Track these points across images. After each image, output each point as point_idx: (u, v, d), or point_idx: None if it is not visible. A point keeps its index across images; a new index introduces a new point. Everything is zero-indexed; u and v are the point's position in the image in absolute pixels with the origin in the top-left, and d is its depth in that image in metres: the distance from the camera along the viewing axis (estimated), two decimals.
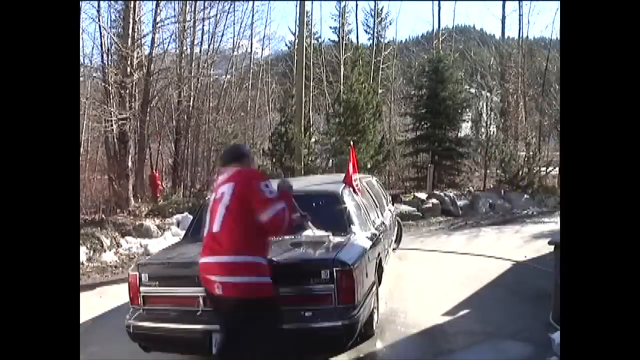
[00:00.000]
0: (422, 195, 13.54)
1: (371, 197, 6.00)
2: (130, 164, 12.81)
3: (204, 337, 3.68)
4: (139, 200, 13.47)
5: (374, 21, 28.57)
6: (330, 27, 31.58)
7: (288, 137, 14.80)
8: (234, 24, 19.95)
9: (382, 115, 19.83)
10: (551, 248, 4.68)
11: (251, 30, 22.06)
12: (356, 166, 5.75)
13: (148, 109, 14.16)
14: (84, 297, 6.02)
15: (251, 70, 22.58)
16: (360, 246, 4.22)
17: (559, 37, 16.62)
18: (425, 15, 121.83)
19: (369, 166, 13.86)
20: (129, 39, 12.24)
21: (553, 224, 10.85)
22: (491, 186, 15.88)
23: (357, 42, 28.59)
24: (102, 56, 14.29)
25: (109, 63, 13.83)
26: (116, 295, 6.10)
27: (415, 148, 17.29)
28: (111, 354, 4.46)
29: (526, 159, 15.64)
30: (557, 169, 15.94)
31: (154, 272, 3.94)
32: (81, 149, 13.54)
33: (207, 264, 3.11)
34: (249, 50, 22.42)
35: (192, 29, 16.49)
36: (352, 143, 6.65)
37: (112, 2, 14.31)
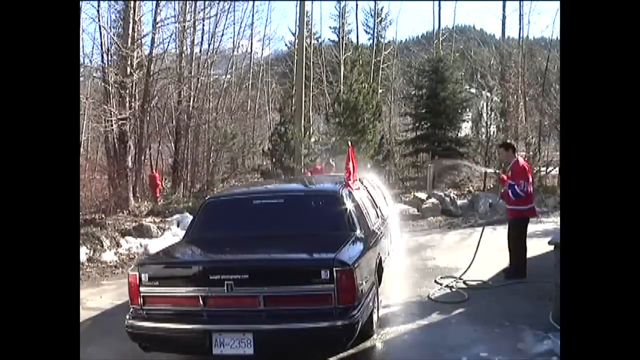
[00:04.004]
0: (422, 195, 13.53)
1: (371, 197, 6.00)
2: (130, 164, 12.81)
3: (204, 337, 3.69)
4: (139, 200, 13.47)
5: (374, 21, 28.62)
6: (330, 27, 31.61)
7: (288, 137, 14.79)
8: (234, 24, 19.99)
9: (382, 115, 19.82)
10: (543, 249, 4.68)
11: (251, 30, 22.13)
12: (355, 166, 5.73)
13: (148, 109, 14.16)
14: (84, 297, 6.03)
15: (251, 70, 22.62)
16: (360, 246, 4.22)
17: (559, 37, 16.62)
18: (425, 15, 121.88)
19: (369, 166, 13.86)
20: (129, 39, 12.24)
21: (552, 224, 10.84)
22: (491, 186, 15.87)
23: (357, 42, 28.64)
24: (102, 56, 14.31)
25: (109, 63, 13.84)
26: (116, 295, 6.10)
27: (415, 148, 17.29)
28: (111, 353, 4.46)
29: (526, 159, 15.62)
30: (557, 169, 15.94)
31: (154, 272, 3.95)
32: (81, 149, 13.53)
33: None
34: (249, 50, 22.47)
35: (192, 29, 16.50)
36: (350, 143, 6.65)
37: (112, 2, 14.32)
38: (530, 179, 6.33)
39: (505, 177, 6.51)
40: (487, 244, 9.02)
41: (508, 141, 7.08)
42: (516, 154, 6.59)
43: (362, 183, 5.99)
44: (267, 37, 28.26)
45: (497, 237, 9.95)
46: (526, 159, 7.24)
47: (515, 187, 6.08)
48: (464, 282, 6.05)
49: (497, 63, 23.18)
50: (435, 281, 6.17)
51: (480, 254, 8.00)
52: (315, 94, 22.50)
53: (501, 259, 7.28)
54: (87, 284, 6.99)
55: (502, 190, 6.46)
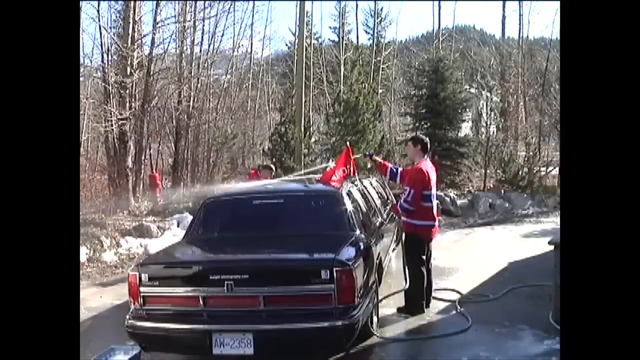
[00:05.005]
0: None
1: (371, 197, 6.00)
2: (130, 164, 12.81)
3: (204, 337, 3.69)
4: (139, 200, 13.47)
5: (374, 21, 28.60)
6: (330, 27, 31.59)
7: (288, 137, 14.78)
8: (234, 24, 19.98)
9: (382, 115, 19.81)
10: (543, 249, 4.67)
11: (251, 30, 22.09)
12: (353, 167, 5.74)
13: (148, 109, 14.15)
14: (84, 297, 6.02)
15: (251, 70, 22.58)
16: (360, 246, 4.22)
17: (559, 37, 16.62)
18: (425, 15, 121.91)
19: (369, 166, 13.85)
20: (129, 39, 12.24)
21: (551, 223, 10.86)
22: (491, 186, 15.87)
23: (357, 42, 28.65)
24: (102, 56, 14.29)
25: (109, 63, 13.83)
26: (116, 295, 6.10)
27: None
28: None
29: (526, 159, 15.66)
30: (557, 169, 15.95)
31: (154, 272, 3.95)
32: (81, 149, 13.53)
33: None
34: (249, 50, 22.44)
35: (192, 29, 16.49)
36: (348, 143, 6.68)
37: (112, 2, 14.32)
38: (433, 190, 4.87)
39: (386, 164, 5.42)
40: (482, 244, 9.09)
41: (420, 136, 5.41)
42: (426, 155, 5.13)
43: (362, 183, 5.99)
44: (267, 37, 28.37)
45: (494, 236, 10.03)
46: (431, 163, 5.08)
47: (401, 195, 4.92)
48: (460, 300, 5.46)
49: (497, 63, 23.24)
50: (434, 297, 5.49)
51: (476, 254, 8.04)
52: (316, 94, 22.49)
53: (497, 259, 7.31)
54: (87, 284, 6.99)
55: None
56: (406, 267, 5.03)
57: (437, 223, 5.11)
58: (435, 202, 5.04)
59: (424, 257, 5.04)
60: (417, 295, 4.98)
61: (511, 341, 4.32)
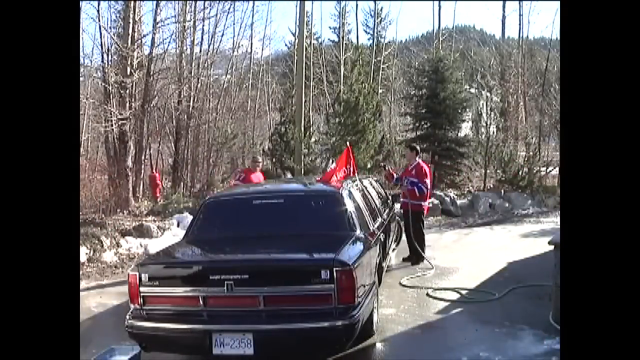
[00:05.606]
0: None
1: (371, 197, 6.01)
2: (130, 164, 12.79)
3: (204, 337, 3.69)
4: (139, 200, 13.47)
5: (374, 21, 28.61)
6: (330, 27, 31.57)
7: (288, 137, 14.78)
8: (234, 24, 19.93)
9: (382, 115, 19.80)
10: (543, 249, 4.67)
11: (251, 30, 22.03)
12: (353, 167, 5.73)
13: (148, 109, 14.14)
14: (84, 297, 6.03)
15: (251, 70, 22.55)
16: (360, 246, 4.23)
17: (559, 37, 16.63)
18: (425, 15, 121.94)
19: (369, 166, 13.85)
20: (129, 39, 12.22)
21: (551, 223, 10.86)
22: (491, 186, 15.87)
23: (357, 42, 28.63)
24: (102, 56, 14.28)
25: (109, 63, 13.82)
26: (116, 295, 6.11)
27: None
28: None
29: (526, 159, 15.65)
30: (557, 169, 15.95)
31: (154, 272, 3.95)
32: (81, 149, 13.53)
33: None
34: (249, 50, 22.40)
35: (192, 29, 16.48)
36: (348, 143, 6.67)
37: (112, 2, 14.31)
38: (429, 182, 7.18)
39: (393, 174, 7.56)
40: (482, 244, 9.09)
41: (413, 144, 7.72)
42: (418, 157, 7.32)
43: (362, 183, 6.00)
44: (267, 37, 28.29)
45: (494, 236, 10.02)
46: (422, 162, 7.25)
47: (421, 184, 7.04)
48: (465, 296, 5.61)
49: (497, 63, 23.24)
50: (428, 294, 5.66)
51: (475, 254, 8.05)
52: (316, 94, 22.46)
53: (496, 259, 7.31)
54: (87, 284, 6.99)
55: (404, 188, 7.10)
56: (410, 234, 7.03)
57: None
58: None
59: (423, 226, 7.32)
60: (421, 250, 7.05)
61: (511, 341, 4.32)
